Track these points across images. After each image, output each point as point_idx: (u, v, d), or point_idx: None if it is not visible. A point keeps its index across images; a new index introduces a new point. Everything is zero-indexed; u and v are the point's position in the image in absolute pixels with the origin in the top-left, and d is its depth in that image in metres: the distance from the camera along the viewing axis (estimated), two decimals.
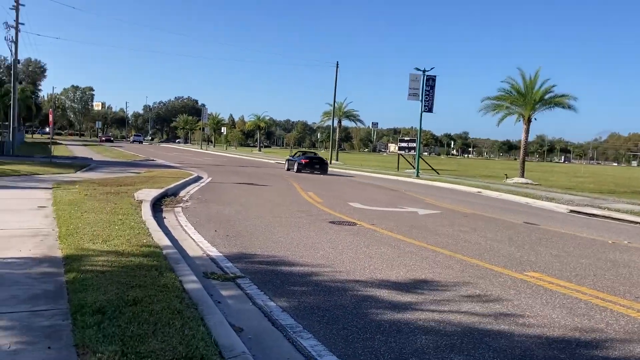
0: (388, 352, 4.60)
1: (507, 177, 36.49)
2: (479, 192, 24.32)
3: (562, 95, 35.09)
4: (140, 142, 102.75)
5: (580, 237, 11.89)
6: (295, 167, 32.50)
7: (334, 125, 58.71)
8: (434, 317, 5.59)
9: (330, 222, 11.86)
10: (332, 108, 55.85)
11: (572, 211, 17.79)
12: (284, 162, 36.34)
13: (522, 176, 35.38)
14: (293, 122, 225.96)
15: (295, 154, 37.23)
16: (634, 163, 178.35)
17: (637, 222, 15.29)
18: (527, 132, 35.69)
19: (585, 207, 18.36)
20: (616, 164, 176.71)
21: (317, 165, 32.51)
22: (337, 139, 62.22)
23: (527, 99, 34.85)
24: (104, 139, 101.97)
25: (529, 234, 11.76)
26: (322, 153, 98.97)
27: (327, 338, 4.87)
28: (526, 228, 12.78)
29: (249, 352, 4.15)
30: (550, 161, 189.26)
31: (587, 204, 19.58)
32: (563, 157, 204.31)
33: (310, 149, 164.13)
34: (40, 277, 5.82)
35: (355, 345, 4.73)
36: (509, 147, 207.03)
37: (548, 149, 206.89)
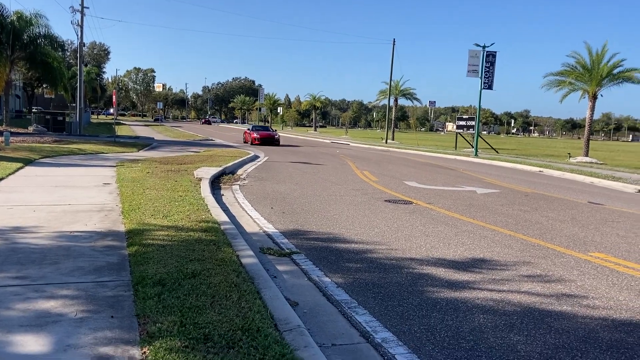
0: (444, 330, 4.53)
1: (570, 156, 35.15)
2: (540, 171, 23.54)
3: (632, 69, 33.26)
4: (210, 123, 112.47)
5: None
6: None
7: (390, 104, 57.89)
8: (493, 297, 5.46)
9: (386, 200, 11.76)
10: (388, 87, 55.12)
11: None
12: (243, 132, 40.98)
13: (587, 155, 34.01)
14: (348, 101, 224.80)
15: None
16: None
17: None
18: (592, 109, 34.18)
19: None
20: None
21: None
22: (393, 118, 61.39)
23: (592, 74, 33.31)
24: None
25: (594, 214, 11.30)
26: (378, 133, 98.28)
27: (382, 314, 4.84)
28: (590, 208, 12.28)
29: (304, 325, 4.17)
30: (617, 140, 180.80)
31: None
32: (631, 135, 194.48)
33: (366, 129, 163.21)
34: (105, 250, 6.04)
35: (411, 322, 4.68)
36: (572, 126, 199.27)
37: (615, 128, 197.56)
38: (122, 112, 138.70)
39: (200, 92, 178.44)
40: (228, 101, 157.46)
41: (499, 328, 4.63)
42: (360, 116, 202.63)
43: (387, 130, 55.37)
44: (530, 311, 5.09)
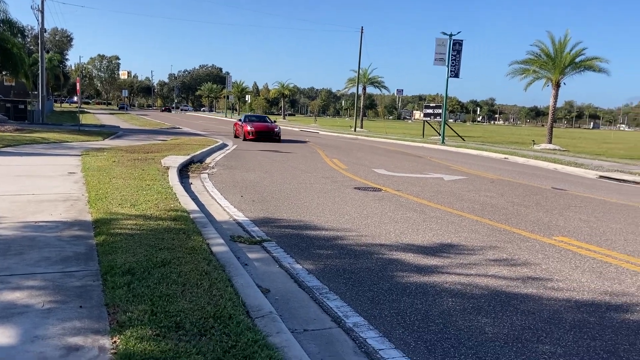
0: (414, 314, 4.61)
1: (534, 144, 35.86)
2: (505, 158, 23.98)
3: (594, 58, 34.00)
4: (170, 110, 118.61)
5: (610, 202, 11.67)
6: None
7: (359, 92, 58.00)
8: (461, 281, 5.56)
9: (355, 187, 11.83)
10: (356, 75, 55.16)
11: (601, 177, 17.45)
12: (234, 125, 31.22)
13: (550, 142, 34.72)
14: (317, 89, 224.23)
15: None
16: None
17: None
18: (555, 97, 34.83)
19: (615, 172, 17.99)
20: None
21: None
22: (361, 107, 61.59)
23: (556, 62, 33.91)
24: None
25: (557, 199, 11.58)
26: (347, 121, 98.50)
27: (353, 300, 4.89)
28: (554, 193, 12.59)
29: (276, 312, 4.19)
30: (579, 127, 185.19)
31: (616, 169, 19.18)
32: (592, 123, 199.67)
33: (335, 117, 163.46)
34: (71, 239, 5.93)
35: (382, 307, 4.74)
36: (536, 114, 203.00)
37: (577, 115, 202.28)
38: (86, 100, 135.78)
39: (166, 80, 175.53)
40: (195, 89, 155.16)
41: (467, 311, 4.73)
42: (329, 104, 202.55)
43: (356, 118, 55.53)
44: (497, 294, 5.21)
